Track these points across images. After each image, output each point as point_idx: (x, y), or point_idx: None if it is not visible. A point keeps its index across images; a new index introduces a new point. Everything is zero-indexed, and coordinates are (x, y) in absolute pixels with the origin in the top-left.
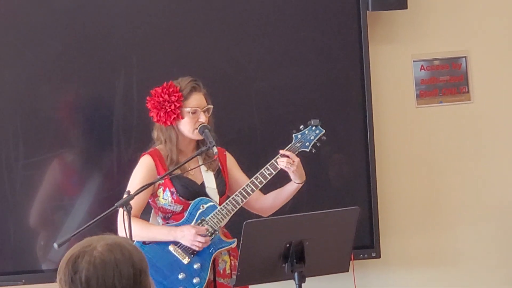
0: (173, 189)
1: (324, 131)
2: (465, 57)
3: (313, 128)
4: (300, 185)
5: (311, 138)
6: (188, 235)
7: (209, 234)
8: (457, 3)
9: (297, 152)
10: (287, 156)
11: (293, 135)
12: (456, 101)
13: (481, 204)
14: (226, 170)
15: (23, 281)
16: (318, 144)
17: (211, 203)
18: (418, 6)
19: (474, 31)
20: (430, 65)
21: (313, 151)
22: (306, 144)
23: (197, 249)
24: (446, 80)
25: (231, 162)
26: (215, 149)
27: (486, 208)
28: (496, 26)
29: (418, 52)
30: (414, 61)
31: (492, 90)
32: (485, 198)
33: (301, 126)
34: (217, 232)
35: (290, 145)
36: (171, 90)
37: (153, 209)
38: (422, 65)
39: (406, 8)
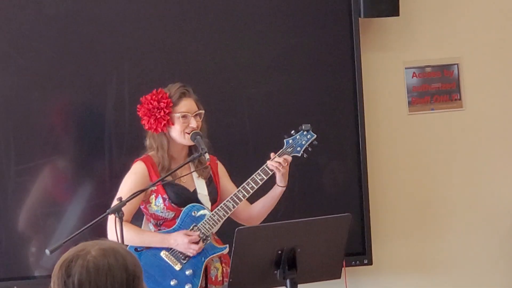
0: (165, 196)
1: (315, 135)
2: (457, 64)
3: (304, 133)
4: (284, 188)
5: (302, 143)
6: (181, 243)
7: (202, 239)
8: (449, 10)
9: None
10: (279, 162)
11: (284, 140)
12: (448, 108)
13: (473, 210)
14: (217, 178)
15: (15, 287)
16: (309, 149)
17: (203, 209)
18: (410, 13)
19: (466, 38)
20: (422, 72)
21: (304, 156)
22: (297, 149)
23: (191, 254)
24: (438, 87)
25: (222, 172)
26: (207, 156)
27: (478, 214)
28: (488, 33)
29: (410, 59)
30: (406, 68)
31: (484, 98)
32: (477, 204)
33: (293, 131)
34: (209, 239)
35: (281, 150)
36: (160, 96)
37: (144, 216)
38: (414, 72)
39: (398, 15)
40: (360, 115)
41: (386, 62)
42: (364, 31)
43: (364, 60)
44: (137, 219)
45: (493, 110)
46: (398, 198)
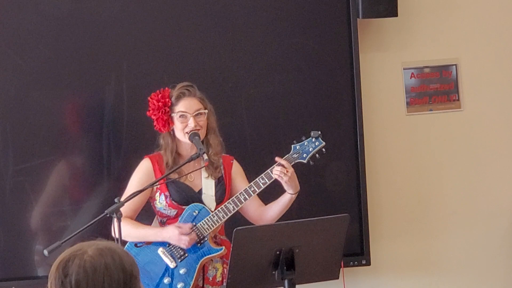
0: (167, 193)
1: (324, 143)
2: (456, 64)
3: (313, 140)
4: (294, 196)
5: (309, 149)
6: (172, 235)
7: (198, 240)
8: (447, 11)
9: (293, 163)
10: (283, 165)
11: (292, 146)
12: (446, 109)
13: (471, 211)
14: (229, 178)
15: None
16: (317, 156)
17: (204, 210)
18: (408, 13)
19: (464, 38)
20: (420, 72)
21: (311, 163)
22: (304, 156)
23: (185, 246)
24: (436, 88)
25: (236, 171)
26: (205, 156)
27: (476, 215)
28: (487, 34)
29: (408, 59)
30: (404, 69)
31: (482, 98)
32: (475, 205)
33: (303, 137)
34: (206, 239)
35: (287, 155)
36: (159, 96)
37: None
38: (412, 73)
39: (397, 15)
40: (359, 115)
41: (385, 62)
42: (362, 32)
43: (362, 61)
44: (149, 215)
45: (492, 111)
46: (396, 199)
